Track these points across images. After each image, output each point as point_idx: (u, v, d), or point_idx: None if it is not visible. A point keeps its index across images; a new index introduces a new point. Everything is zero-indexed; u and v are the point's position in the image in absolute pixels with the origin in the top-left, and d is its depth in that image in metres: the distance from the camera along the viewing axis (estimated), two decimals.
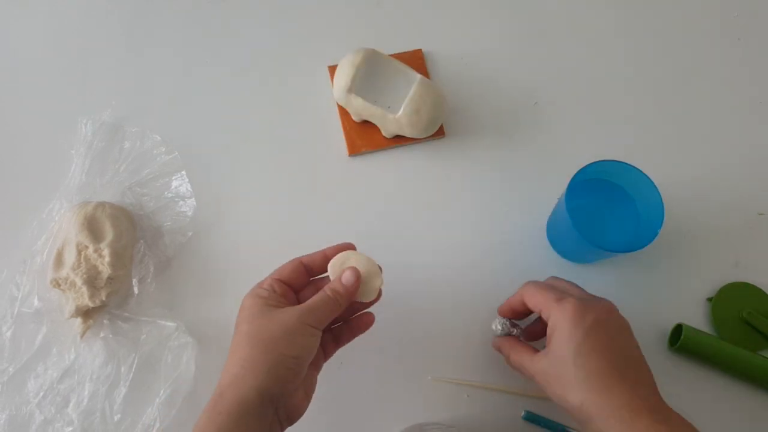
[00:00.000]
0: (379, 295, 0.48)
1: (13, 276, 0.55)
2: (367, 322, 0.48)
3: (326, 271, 0.47)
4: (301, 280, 0.47)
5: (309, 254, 0.48)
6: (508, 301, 0.50)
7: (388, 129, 0.60)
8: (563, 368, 0.42)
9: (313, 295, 0.45)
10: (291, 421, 0.43)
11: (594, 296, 0.46)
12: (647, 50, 0.67)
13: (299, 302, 0.45)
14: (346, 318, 0.49)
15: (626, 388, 0.40)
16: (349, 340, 0.49)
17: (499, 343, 0.50)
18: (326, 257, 0.47)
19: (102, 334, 0.53)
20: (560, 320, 0.43)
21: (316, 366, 0.46)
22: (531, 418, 0.52)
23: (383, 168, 0.62)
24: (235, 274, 0.57)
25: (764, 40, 0.68)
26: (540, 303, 0.45)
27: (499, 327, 0.51)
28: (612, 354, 0.41)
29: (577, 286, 0.48)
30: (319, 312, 0.43)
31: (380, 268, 0.47)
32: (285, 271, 0.47)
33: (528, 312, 0.49)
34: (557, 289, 0.46)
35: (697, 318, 0.56)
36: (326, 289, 0.44)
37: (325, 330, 0.44)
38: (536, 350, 0.46)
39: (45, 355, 0.53)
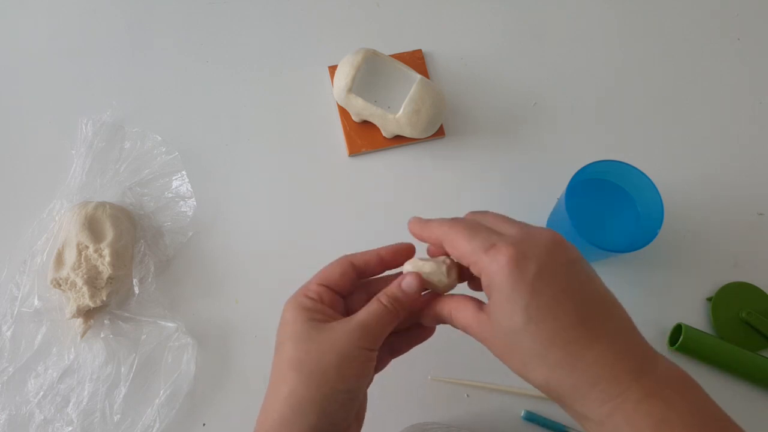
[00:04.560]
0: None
1: (13, 276, 0.55)
2: (431, 330, 0.41)
3: (378, 274, 0.40)
4: (350, 285, 0.39)
5: (360, 254, 0.39)
6: (421, 231, 0.38)
7: (388, 129, 0.60)
8: (513, 339, 0.32)
9: (364, 301, 0.37)
10: None
11: (529, 227, 0.35)
12: (647, 50, 0.67)
13: (347, 310, 0.38)
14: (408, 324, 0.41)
15: (599, 350, 0.30)
16: (408, 349, 0.41)
17: (437, 304, 0.37)
18: (381, 259, 0.39)
19: (102, 334, 0.53)
20: (495, 278, 0.32)
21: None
22: (531, 418, 0.52)
23: (383, 168, 0.62)
24: (235, 274, 0.57)
25: (764, 40, 0.68)
26: (467, 255, 0.34)
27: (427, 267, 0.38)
28: (571, 307, 0.31)
29: (508, 219, 0.37)
30: (376, 329, 0.35)
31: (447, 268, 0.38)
32: (333, 275, 0.38)
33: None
34: (484, 229, 0.35)
35: (696, 318, 0.56)
36: (382, 298, 0.36)
37: (402, 332, 0.39)
38: (480, 306, 0.35)
39: (45, 354, 0.53)
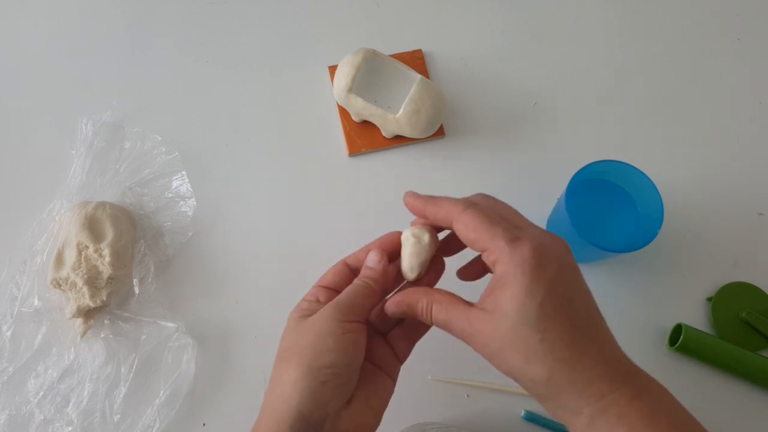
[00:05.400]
0: (437, 272, 0.41)
1: (13, 276, 0.55)
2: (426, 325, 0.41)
3: None
4: (346, 281, 0.40)
5: (353, 253, 0.41)
6: (424, 204, 0.37)
7: (388, 129, 0.60)
8: (521, 334, 0.32)
9: None
10: None
11: (543, 230, 0.36)
12: (647, 50, 0.67)
13: None
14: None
15: (596, 352, 0.32)
16: (410, 347, 0.42)
17: (409, 294, 0.37)
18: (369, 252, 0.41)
19: (102, 334, 0.53)
20: (517, 269, 0.32)
21: (386, 370, 0.39)
22: (531, 417, 0.52)
23: (383, 168, 0.62)
24: (235, 274, 0.57)
25: (764, 40, 0.68)
26: (483, 241, 0.34)
27: (409, 246, 0.38)
28: (577, 311, 0.33)
29: (520, 214, 0.37)
30: (349, 302, 0.36)
31: (431, 243, 0.39)
32: (328, 276, 0.40)
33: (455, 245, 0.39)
34: (504, 221, 0.35)
35: (696, 318, 0.56)
36: (355, 280, 0.39)
37: (396, 327, 0.40)
38: (467, 302, 0.36)
39: (45, 354, 0.53)
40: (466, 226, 0.35)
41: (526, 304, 0.32)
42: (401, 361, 0.41)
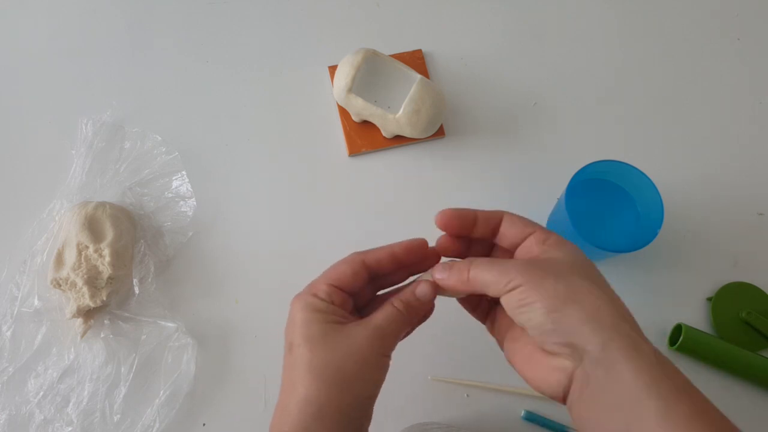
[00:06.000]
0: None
1: (13, 276, 0.55)
2: (430, 309, 0.40)
3: (391, 273, 0.39)
4: (362, 285, 0.38)
5: (372, 252, 0.37)
6: (470, 213, 0.38)
7: (388, 129, 0.60)
8: (566, 268, 0.33)
9: (370, 296, 0.38)
10: None
11: None
12: (647, 50, 0.67)
13: (357, 309, 0.38)
14: None
15: (639, 331, 0.33)
16: (409, 330, 0.40)
17: (449, 266, 0.36)
18: (394, 257, 0.37)
19: (102, 335, 0.53)
20: (560, 237, 0.36)
21: None
22: (531, 418, 0.52)
23: (383, 168, 0.62)
24: (235, 274, 0.57)
25: (764, 40, 0.68)
26: (522, 230, 0.37)
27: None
28: (614, 293, 0.34)
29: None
30: (392, 335, 0.35)
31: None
32: (344, 275, 0.37)
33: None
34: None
35: (696, 318, 0.56)
36: (396, 303, 0.36)
37: None
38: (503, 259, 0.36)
39: (45, 354, 0.53)
40: (513, 221, 0.37)
41: (574, 249, 0.35)
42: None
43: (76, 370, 0.53)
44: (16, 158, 0.61)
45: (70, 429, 0.51)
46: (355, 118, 0.61)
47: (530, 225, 0.36)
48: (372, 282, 0.39)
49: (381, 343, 0.35)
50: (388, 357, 0.36)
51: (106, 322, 0.54)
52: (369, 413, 0.36)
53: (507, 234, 0.37)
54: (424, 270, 0.39)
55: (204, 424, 0.52)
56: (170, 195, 0.59)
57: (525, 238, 0.36)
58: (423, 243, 0.38)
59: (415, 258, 0.38)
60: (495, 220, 0.37)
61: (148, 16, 0.68)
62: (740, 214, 0.60)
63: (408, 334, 0.40)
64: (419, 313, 0.37)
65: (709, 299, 0.57)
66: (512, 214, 0.37)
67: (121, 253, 0.54)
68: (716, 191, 0.61)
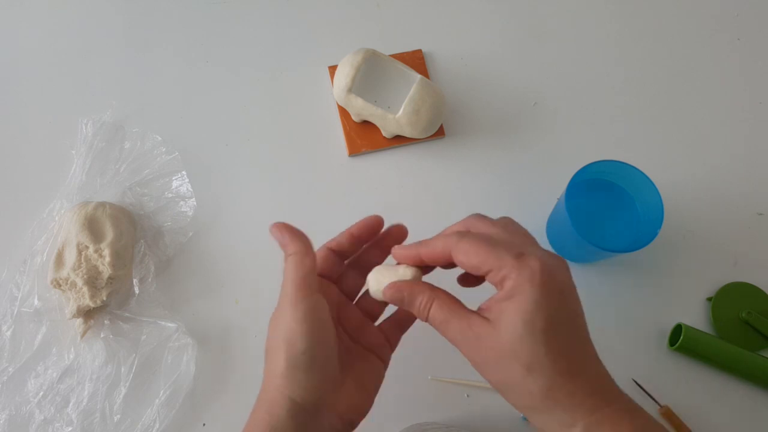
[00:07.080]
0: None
1: (13, 276, 0.55)
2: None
3: (356, 251, 0.42)
4: (336, 269, 0.41)
5: (334, 238, 0.41)
6: (416, 249, 0.38)
7: (388, 129, 0.60)
8: (525, 344, 0.32)
9: (357, 282, 0.41)
10: (352, 425, 0.37)
11: (541, 246, 0.37)
12: (647, 50, 0.67)
13: (343, 291, 0.41)
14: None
15: (594, 367, 0.34)
16: (412, 323, 0.43)
17: (411, 285, 0.37)
18: (352, 237, 0.41)
19: (102, 335, 0.53)
20: (524, 283, 0.33)
21: (377, 353, 0.41)
22: None
23: (383, 168, 0.62)
24: (235, 274, 0.57)
25: (764, 40, 0.68)
26: (488, 262, 0.34)
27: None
28: (579, 327, 0.34)
29: (521, 233, 0.38)
30: (290, 280, 0.36)
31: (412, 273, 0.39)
32: (318, 261, 0.41)
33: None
34: (504, 240, 0.35)
35: (696, 318, 0.56)
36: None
37: (390, 319, 0.42)
38: (468, 309, 0.36)
39: (45, 354, 0.53)
40: (467, 254, 0.35)
41: (534, 316, 0.32)
42: (392, 347, 0.42)
43: (76, 370, 0.53)
44: (16, 158, 0.61)
45: (70, 429, 0.51)
46: (355, 118, 0.61)
47: (486, 256, 0.34)
48: (353, 267, 0.43)
49: (286, 293, 0.36)
50: (305, 299, 0.35)
51: (106, 322, 0.54)
52: (321, 369, 0.35)
53: (465, 265, 0.35)
54: (387, 245, 0.41)
55: (204, 424, 0.52)
56: (170, 195, 0.59)
57: (486, 273, 0.35)
58: (377, 220, 0.41)
59: (372, 235, 0.41)
60: (443, 255, 0.36)
61: (148, 17, 0.68)
62: (740, 214, 0.60)
63: (407, 328, 0.42)
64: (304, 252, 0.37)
65: (709, 299, 0.57)
66: (465, 240, 0.35)
67: (121, 253, 0.54)
68: (716, 191, 0.61)
